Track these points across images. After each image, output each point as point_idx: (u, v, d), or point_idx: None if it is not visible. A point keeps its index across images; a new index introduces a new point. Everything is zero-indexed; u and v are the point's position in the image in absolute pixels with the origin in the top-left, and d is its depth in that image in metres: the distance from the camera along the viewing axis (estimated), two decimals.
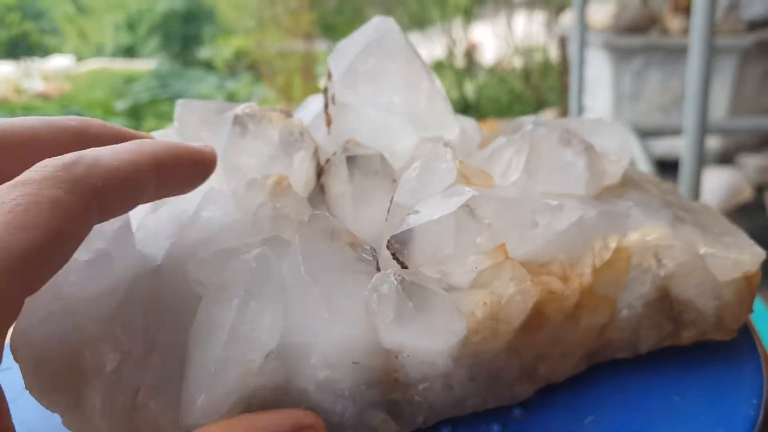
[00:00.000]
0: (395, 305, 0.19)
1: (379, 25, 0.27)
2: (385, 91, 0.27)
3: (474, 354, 0.21)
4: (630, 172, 0.27)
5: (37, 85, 3.43)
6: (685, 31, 1.61)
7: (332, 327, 0.19)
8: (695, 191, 0.93)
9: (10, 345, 0.20)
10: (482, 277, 0.21)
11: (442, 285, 0.21)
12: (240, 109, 0.26)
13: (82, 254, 0.21)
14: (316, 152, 0.26)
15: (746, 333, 0.25)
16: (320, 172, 0.26)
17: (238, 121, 0.25)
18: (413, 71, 0.27)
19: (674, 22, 1.73)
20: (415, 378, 0.21)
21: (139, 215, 0.24)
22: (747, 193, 1.71)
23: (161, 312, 0.20)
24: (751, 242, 0.24)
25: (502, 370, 0.22)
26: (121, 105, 3.02)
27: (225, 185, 0.24)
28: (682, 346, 0.24)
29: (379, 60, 0.27)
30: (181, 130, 0.26)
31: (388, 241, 0.22)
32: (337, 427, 0.20)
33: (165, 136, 0.27)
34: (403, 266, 0.21)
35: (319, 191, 0.26)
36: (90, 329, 0.20)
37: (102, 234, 0.21)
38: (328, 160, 0.26)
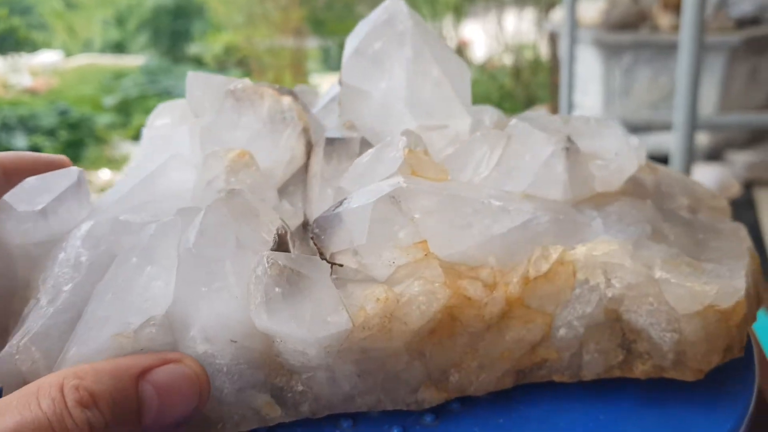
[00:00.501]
0: (264, 288, 0.19)
1: (389, 7, 0.26)
2: (389, 76, 0.26)
3: (362, 350, 0.20)
4: (654, 179, 0.25)
5: (25, 81, 3.40)
6: (675, 27, 1.62)
7: (211, 303, 0.19)
8: None
9: None
10: (399, 273, 0.21)
11: (359, 276, 0.21)
12: (235, 83, 0.26)
13: (23, 205, 0.22)
14: (305, 132, 0.26)
15: (743, 373, 0.22)
16: (310, 151, 0.26)
17: (230, 95, 0.26)
18: (419, 57, 0.26)
19: (664, 19, 1.74)
20: (295, 366, 0.20)
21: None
22: (735, 190, 1.72)
23: (78, 267, 0.21)
24: (741, 275, 0.21)
25: (402, 371, 0.21)
26: (109, 101, 3.01)
27: (199, 155, 0.25)
28: (651, 380, 0.22)
29: (384, 43, 0.26)
30: (190, 100, 0.27)
31: (311, 225, 0.22)
32: (218, 402, 0.20)
33: (176, 107, 0.28)
34: (320, 252, 0.21)
35: (304, 170, 0.26)
36: (21, 275, 0.22)
37: (49, 189, 0.23)
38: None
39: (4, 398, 0.18)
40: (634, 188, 0.24)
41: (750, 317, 0.21)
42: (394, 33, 0.26)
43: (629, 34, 1.72)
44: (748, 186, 1.73)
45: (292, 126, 0.26)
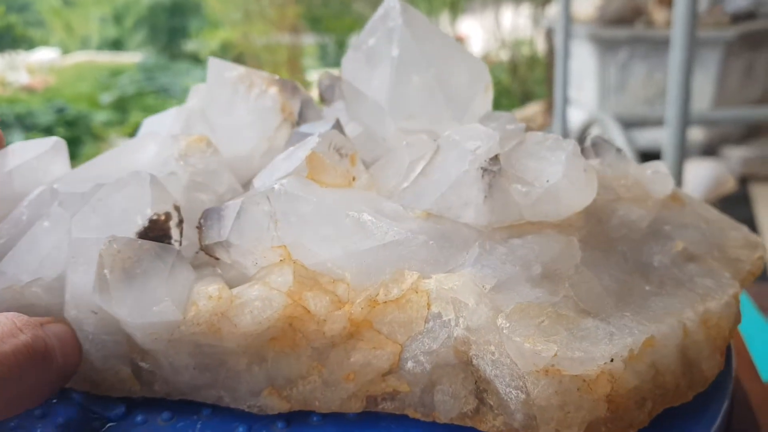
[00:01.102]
0: (97, 269, 0.20)
1: (386, 3, 0.26)
2: (379, 73, 0.25)
3: (195, 344, 0.20)
4: (648, 214, 0.23)
5: (22, 78, 3.40)
6: (670, 23, 1.62)
7: (74, 273, 0.21)
8: (677, 182, 0.94)
9: None
10: (258, 275, 0.21)
11: (231, 272, 0.22)
12: (231, 70, 0.27)
13: None
14: (289, 124, 0.27)
15: (719, 389, 0.20)
16: None
17: (227, 82, 0.27)
18: (407, 56, 0.25)
19: (659, 14, 1.73)
20: (140, 346, 0.21)
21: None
22: (731, 185, 1.72)
23: (17, 225, 0.23)
24: (624, 345, 0.18)
25: (243, 373, 0.21)
26: (106, 98, 3.01)
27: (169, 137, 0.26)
28: None
29: (377, 40, 0.26)
30: (208, 85, 0.28)
31: (200, 216, 0.22)
32: (90, 366, 0.22)
33: (202, 90, 0.29)
34: (201, 244, 0.22)
35: None
36: None
37: (24, 153, 0.25)
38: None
39: None
40: (584, 221, 0.22)
41: (657, 396, 0.18)
42: (385, 29, 0.25)
43: (624, 29, 1.72)
44: (744, 181, 1.74)
45: (274, 117, 0.26)
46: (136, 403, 0.22)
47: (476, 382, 0.19)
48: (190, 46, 3.57)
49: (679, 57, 0.86)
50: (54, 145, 0.25)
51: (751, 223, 1.61)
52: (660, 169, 0.24)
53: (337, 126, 0.26)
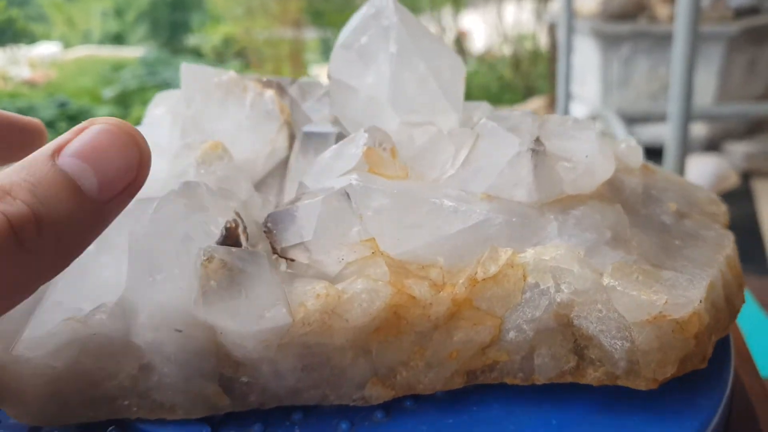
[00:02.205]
0: (201, 282, 0.19)
1: (375, 2, 0.26)
2: (374, 70, 0.26)
3: (304, 345, 0.20)
4: (642, 183, 0.25)
5: (24, 73, 3.40)
6: (674, 17, 1.62)
7: (156, 292, 0.20)
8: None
9: None
10: (347, 270, 0.21)
11: (310, 272, 0.21)
12: (221, 76, 0.27)
13: None
14: (287, 125, 0.27)
15: (711, 382, 0.22)
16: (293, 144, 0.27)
17: (217, 87, 0.26)
18: (404, 52, 0.25)
19: (662, 9, 1.73)
20: (238, 357, 0.20)
21: None
22: (733, 180, 1.72)
23: None
24: (701, 286, 0.20)
25: (348, 367, 0.21)
26: (108, 92, 3.00)
27: (177, 145, 0.25)
28: (609, 387, 0.21)
29: (370, 37, 0.26)
30: (184, 91, 0.27)
31: (264, 220, 0.22)
32: (171, 388, 0.21)
33: (171, 97, 0.28)
34: (273, 248, 0.21)
35: (285, 163, 0.27)
36: None
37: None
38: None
39: None
40: (609, 192, 0.24)
41: (715, 329, 0.21)
42: (379, 27, 0.25)
43: (628, 24, 1.71)
44: (746, 176, 1.73)
45: (273, 119, 0.26)
46: (218, 421, 0.21)
47: (576, 340, 0.21)
48: (192, 40, 3.56)
49: (682, 52, 0.86)
50: None
51: (754, 219, 1.60)
52: (631, 143, 0.26)
53: (337, 124, 0.26)
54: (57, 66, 3.57)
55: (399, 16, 0.26)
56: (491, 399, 0.22)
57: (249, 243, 0.22)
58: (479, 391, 0.22)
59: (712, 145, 1.80)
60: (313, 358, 0.21)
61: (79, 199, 0.16)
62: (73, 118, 3.16)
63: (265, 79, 0.28)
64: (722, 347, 0.23)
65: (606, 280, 0.20)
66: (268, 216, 0.22)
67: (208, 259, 0.19)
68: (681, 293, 0.20)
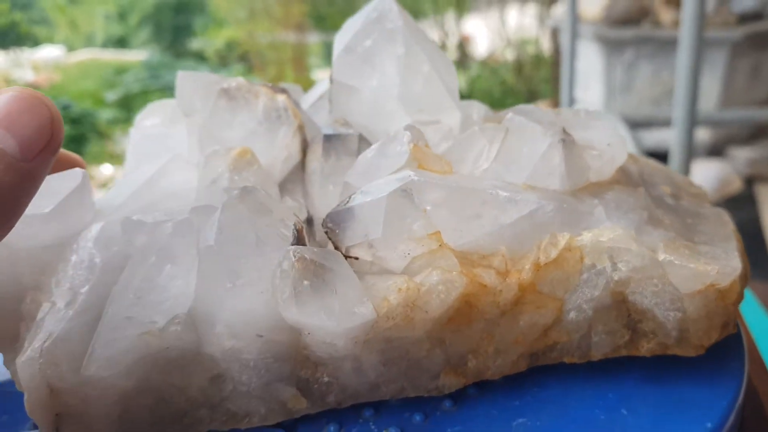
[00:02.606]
0: (292, 282, 0.19)
1: (378, 5, 0.27)
2: (380, 73, 0.26)
3: (386, 339, 0.20)
4: (637, 169, 0.26)
5: (27, 75, 3.40)
6: (677, 23, 1.62)
7: (236, 299, 0.20)
8: None
9: None
10: (415, 264, 0.21)
11: (375, 269, 0.21)
12: (227, 82, 0.26)
13: (30, 208, 0.22)
14: (300, 129, 0.26)
15: (736, 349, 0.23)
16: (305, 148, 0.27)
17: (224, 93, 0.26)
18: (410, 54, 0.26)
19: (666, 15, 1.73)
20: (322, 357, 0.20)
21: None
22: (737, 185, 1.72)
23: (92, 269, 0.21)
24: (735, 256, 0.22)
25: (424, 359, 0.21)
26: (111, 96, 3.01)
27: (197, 154, 0.25)
28: (653, 358, 0.22)
29: (375, 41, 0.26)
30: (179, 100, 0.27)
31: (324, 220, 0.22)
32: (246, 396, 0.20)
33: (165, 107, 0.28)
34: (336, 246, 0.22)
35: (301, 167, 0.27)
36: (30, 278, 0.22)
37: (55, 191, 0.23)
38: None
39: None
40: (624, 177, 0.25)
41: (742, 295, 0.22)
42: (384, 31, 0.26)
43: (631, 29, 1.72)
44: (749, 182, 1.73)
45: (288, 124, 0.26)
46: (290, 426, 0.21)
47: (629, 315, 0.22)
48: (195, 44, 3.57)
49: (687, 57, 0.86)
50: (83, 179, 0.23)
51: (756, 224, 1.60)
52: (618, 130, 0.28)
53: (346, 125, 0.27)
54: (60, 69, 3.57)
55: (403, 18, 0.26)
56: (548, 380, 0.23)
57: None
58: (533, 373, 0.23)
59: (715, 151, 1.80)
60: (393, 352, 0.21)
61: (4, 161, 0.17)
62: (76, 121, 3.16)
63: (270, 85, 0.28)
64: (736, 346, 0.24)
65: (662, 256, 0.21)
66: (328, 216, 0.22)
67: (299, 260, 0.19)
68: (725, 263, 0.21)
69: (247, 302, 0.20)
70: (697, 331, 0.21)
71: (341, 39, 0.27)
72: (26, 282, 0.22)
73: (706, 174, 1.68)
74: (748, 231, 1.64)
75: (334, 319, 0.19)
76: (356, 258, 0.21)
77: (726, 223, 0.25)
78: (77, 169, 0.24)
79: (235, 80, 0.27)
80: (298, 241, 0.21)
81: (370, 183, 0.22)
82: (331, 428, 0.21)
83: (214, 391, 0.21)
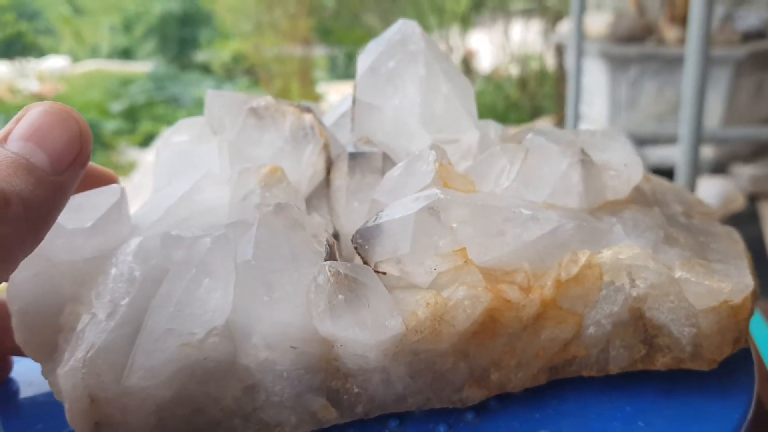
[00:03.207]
0: (327, 296, 0.20)
1: (401, 28, 0.27)
2: (402, 93, 0.27)
3: (414, 352, 0.21)
4: (650, 188, 0.27)
5: (33, 86, 3.42)
6: (681, 41, 1.63)
7: (272, 311, 0.20)
8: None
9: (6, 294, 0.23)
10: (441, 279, 0.22)
11: (401, 283, 0.22)
12: (256, 101, 0.27)
13: (73, 222, 0.23)
14: (326, 147, 0.27)
15: (746, 364, 0.24)
16: (330, 166, 0.27)
17: (252, 112, 0.27)
18: (431, 75, 0.27)
19: (670, 32, 1.75)
20: (352, 369, 0.21)
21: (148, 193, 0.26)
22: (740, 203, 1.73)
23: (132, 282, 0.21)
24: (746, 273, 0.23)
25: (449, 371, 0.22)
26: (116, 107, 3.02)
27: (228, 171, 0.26)
28: (667, 372, 0.23)
29: (398, 62, 0.27)
30: (208, 118, 0.28)
31: (353, 236, 0.22)
32: (278, 406, 0.21)
33: (194, 124, 0.28)
34: (365, 261, 0.22)
35: (325, 184, 0.27)
36: (69, 290, 0.22)
37: (94, 206, 0.23)
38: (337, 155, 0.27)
39: None
40: (639, 196, 0.26)
41: (752, 311, 0.23)
42: (407, 52, 0.27)
43: (635, 46, 1.73)
44: (753, 199, 1.74)
45: (314, 142, 0.27)
46: None
47: (646, 330, 0.23)
48: (200, 56, 3.59)
49: (693, 75, 0.87)
50: (121, 195, 0.24)
51: (760, 240, 1.61)
52: (633, 151, 0.29)
53: (370, 144, 0.27)
54: (65, 80, 3.58)
55: (426, 41, 0.27)
56: (567, 393, 0.23)
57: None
58: (553, 387, 0.23)
59: (719, 168, 1.80)
60: (420, 364, 0.21)
61: (36, 174, 0.18)
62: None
63: (297, 103, 0.28)
64: (745, 360, 0.25)
65: (678, 273, 0.22)
66: (357, 232, 0.22)
67: (334, 274, 0.20)
68: (738, 281, 0.22)
69: (282, 315, 0.20)
70: (710, 346, 0.22)
71: (365, 60, 0.28)
72: (65, 294, 0.22)
73: (709, 191, 1.69)
74: (752, 248, 1.63)
75: (367, 331, 0.20)
76: (384, 273, 0.22)
77: (737, 242, 0.25)
78: (116, 185, 0.24)
79: (264, 99, 0.27)
80: (330, 256, 0.21)
81: (397, 200, 0.23)
82: None
83: (247, 401, 0.21)
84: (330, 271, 0.20)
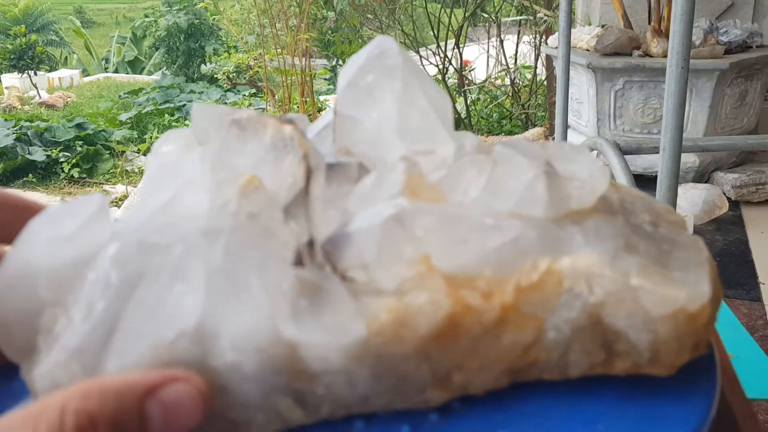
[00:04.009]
0: (291, 301, 0.21)
1: (380, 44, 0.29)
2: (380, 106, 0.28)
3: (377, 355, 0.22)
4: (618, 197, 0.28)
5: (43, 96, 3.47)
6: (666, 53, 1.68)
7: (239, 315, 0.21)
8: (672, 205, 0.98)
9: None
10: (405, 285, 0.22)
11: (368, 289, 0.23)
12: (239, 114, 0.29)
13: (50, 230, 0.25)
14: (305, 157, 0.28)
15: (708, 369, 0.25)
16: (309, 175, 0.29)
17: (235, 124, 0.28)
18: (408, 89, 0.28)
19: (656, 45, 1.79)
20: (316, 371, 0.22)
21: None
22: (724, 208, 1.77)
23: (108, 286, 0.22)
24: (705, 281, 0.23)
25: (412, 374, 0.22)
26: (124, 116, 3.07)
27: (209, 180, 0.27)
28: (630, 376, 0.23)
29: (376, 76, 0.28)
30: (194, 130, 0.29)
31: (323, 243, 0.24)
32: (245, 406, 0.22)
33: (181, 135, 0.30)
34: (333, 268, 0.23)
35: (305, 193, 0.28)
36: (49, 294, 0.24)
37: (74, 214, 0.26)
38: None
39: (9, 417, 0.18)
40: (604, 206, 0.26)
41: (713, 318, 0.23)
42: (384, 67, 0.28)
43: (622, 58, 1.77)
44: (736, 205, 1.78)
45: (294, 152, 0.28)
46: None
47: (605, 336, 0.23)
48: (205, 67, 3.61)
49: (674, 87, 0.90)
50: (101, 204, 0.26)
51: (745, 244, 1.65)
52: (599, 163, 0.30)
53: (349, 155, 0.29)
54: (75, 90, 3.64)
55: (403, 56, 0.29)
56: (529, 395, 0.24)
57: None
58: (516, 389, 0.24)
59: (703, 175, 1.84)
60: (383, 367, 0.22)
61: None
62: (90, 140, 3.21)
63: (278, 116, 0.30)
64: (708, 366, 0.25)
65: (634, 281, 0.23)
66: (327, 240, 0.24)
67: (297, 280, 0.21)
68: (695, 288, 0.23)
69: (249, 319, 0.21)
70: (668, 352, 0.23)
71: (345, 74, 0.29)
72: (45, 297, 0.24)
73: (694, 197, 1.72)
74: (735, 253, 1.67)
75: (329, 335, 0.21)
76: (352, 279, 0.23)
77: (701, 251, 0.25)
78: (97, 194, 0.26)
79: (246, 112, 0.29)
80: (298, 263, 0.22)
81: (366, 209, 0.24)
82: None
83: (216, 401, 0.22)
84: (294, 278, 0.21)
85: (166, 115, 2.99)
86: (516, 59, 2.76)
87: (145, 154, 2.71)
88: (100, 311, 0.22)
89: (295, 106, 2.76)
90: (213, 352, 0.21)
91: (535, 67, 2.69)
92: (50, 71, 3.84)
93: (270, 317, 0.21)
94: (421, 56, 2.76)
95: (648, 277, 0.23)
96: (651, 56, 1.79)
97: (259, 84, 3.08)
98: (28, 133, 3.12)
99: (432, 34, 2.66)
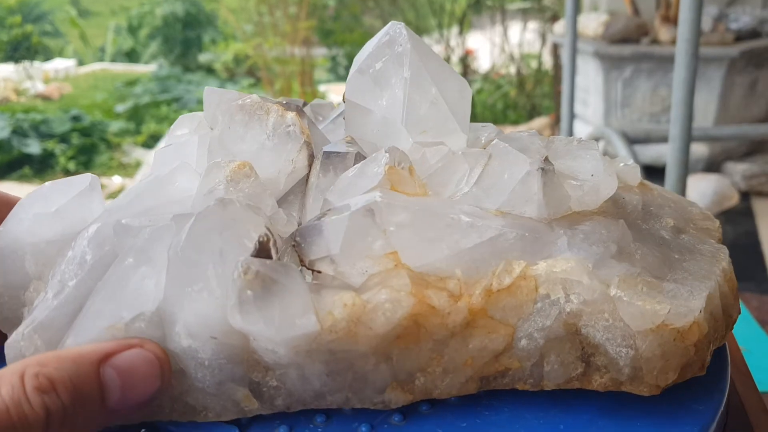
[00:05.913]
0: (238, 291, 0.20)
1: (390, 30, 0.28)
2: (388, 94, 0.27)
3: (330, 351, 0.21)
4: (641, 200, 0.26)
5: (38, 87, 3.45)
6: (675, 41, 1.65)
7: (194, 302, 0.21)
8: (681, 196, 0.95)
9: None
10: (371, 281, 0.22)
11: (336, 283, 0.22)
12: (243, 98, 0.28)
13: (36, 207, 0.25)
14: (307, 145, 0.28)
15: (707, 393, 0.23)
16: (311, 164, 0.28)
17: (239, 109, 0.28)
18: (417, 77, 0.27)
19: (664, 33, 1.76)
20: (269, 362, 0.21)
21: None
22: (734, 200, 1.75)
23: (83, 265, 0.23)
24: (701, 296, 0.21)
25: (370, 373, 0.22)
26: (121, 107, 3.05)
27: (204, 164, 0.26)
28: (613, 393, 0.22)
29: (384, 63, 0.27)
30: (206, 114, 0.29)
31: (292, 234, 0.23)
32: (201, 392, 0.22)
33: (194, 118, 0.30)
34: (300, 259, 0.23)
35: (305, 181, 0.28)
36: (34, 269, 0.25)
37: (62, 192, 0.25)
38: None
39: None
40: (612, 208, 0.25)
41: (714, 338, 0.22)
42: (393, 54, 0.27)
43: (630, 46, 1.74)
44: (746, 196, 1.75)
45: (295, 140, 0.27)
46: (245, 423, 0.23)
47: (583, 348, 0.22)
48: (203, 57, 3.61)
49: (683, 75, 0.87)
50: (91, 183, 0.25)
51: (754, 237, 1.63)
52: (629, 162, 0.28)
53: (354, 144, 0.28)
54: (71, 81, 3.62)
55: (412, 42, 0.27)
56: (501, 404, 0.23)
57: (278, 256, 0.23)
58: (490, 396, 0.23)
59: (713, 165, 1.81)
60: (338, 363, 0.22)
61: (100, 406, 0.20)
62: (87, 132, 3.19)
63: (285, 101, 0.29)
64: (719, 360, 0.24)
65: (613, 291, 0.21)
66: (297, 230, 0.23)
67: (245, 270, 0.20)
68: (683, 303, 0.21)
69: (203, 306, 0.21)
70: (651, 370, 0.21)
71: (356, 60, 0.28)
72: (31, 272, 0.25)
73: (703, 188, 1.70)
74: (746, 245, 1.65)
75: (273, 328, 0.20)
76: (319, 272, 0.22)
77: (718, 262, 0.24)
78: (87, 174, 0.26)
79: (250, 97, 0.28)
80: (260, 252, 0.21)
81: (343, 201, 0.23)
82: (282, 430, 0.22)
83: (175, 384, 0.22)
84: (242, 267, 0.20)
85: (163, 106, 2.96)
86: (521, 47, 2.74)
87: (142, 146, 2.68)
88: (71, 288, 0.22)
89: (294, 97, 2.73)
90: (171, 336, 0.21)
91: (541, 56, 2.67)
92: (45, 58, 3.81)
93: (223, 306, 0.21)
94: None
95: (630, 288, 0.21)
96: (659, 44, 1.76)
97: (258, 74, 3.06)
98: (24, 125, 3.10)
99: (435, 22, 2.63)
